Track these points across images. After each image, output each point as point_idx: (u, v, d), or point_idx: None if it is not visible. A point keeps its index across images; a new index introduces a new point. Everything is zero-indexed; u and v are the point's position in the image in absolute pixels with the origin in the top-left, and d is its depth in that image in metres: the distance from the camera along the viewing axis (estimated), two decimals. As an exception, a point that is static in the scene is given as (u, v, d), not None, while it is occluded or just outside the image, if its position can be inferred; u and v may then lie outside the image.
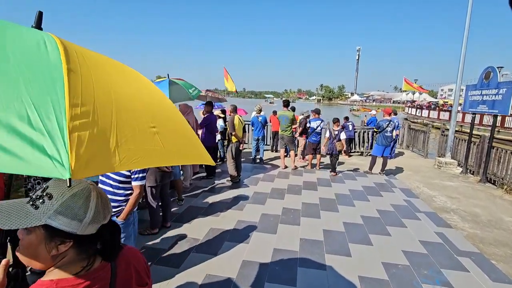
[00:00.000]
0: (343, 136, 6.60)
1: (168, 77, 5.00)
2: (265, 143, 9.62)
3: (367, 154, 9.84)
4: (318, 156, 7.29)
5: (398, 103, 77.66)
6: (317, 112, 7.16)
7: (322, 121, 7.06)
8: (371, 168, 6.85)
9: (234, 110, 5.91)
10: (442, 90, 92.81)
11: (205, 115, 6.03)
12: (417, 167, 8.29)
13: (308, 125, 7.26)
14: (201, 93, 6.58)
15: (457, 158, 8.30)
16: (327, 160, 8.52)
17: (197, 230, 3.75)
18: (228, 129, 5.80)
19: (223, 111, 8.35)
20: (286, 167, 7.21)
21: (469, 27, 7.47)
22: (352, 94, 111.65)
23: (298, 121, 9.02)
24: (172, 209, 4.44)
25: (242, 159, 8.64)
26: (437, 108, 28.95)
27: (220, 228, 3.83)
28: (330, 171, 6.77)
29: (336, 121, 7.01)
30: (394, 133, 6.48)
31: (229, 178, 5.90)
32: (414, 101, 39.25)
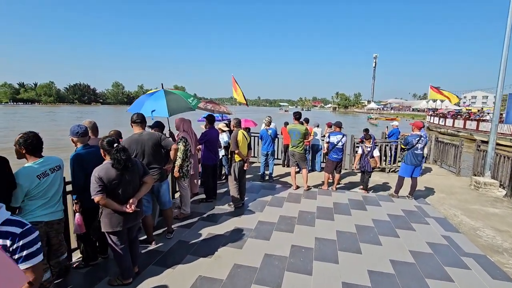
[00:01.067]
0: (376, 153, 6.15)
1: (162, 87, 4.38)
2: (276, 157, 8.85)
3: (389, 171, 8.81)
4: (337, 175, 6.40)
5: (418, 111, 74.67)
6: (338, 125, 6.31)
7: (343, 135, 6.21)
8: (397, 191, 5.88)
9: (238, 124, 5.18)
10: (464, 97, 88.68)
11: (205, 130, 5.35)
12: (449, 188, 7.20)
13: (327, 139, 6.41)
14: (200, 103, 5.90)
15: (498, 178, 7.13)
16: (343, 180, 7.60)
17: (180, 279, 2.98)
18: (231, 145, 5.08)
19: (228, 124, 7.67)
20: (298, 187, 6.36)
21: (511, 25, 6.45)
22: (368, 102, 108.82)
23: (311, 133, 8.17)
24: (157, 245, 3.71)
25: (249, 175, 7.93)
26: (462, 116, 27.07)
27: (211, 277, 3.04)
28: (361, 188, 6.43)
29: (368, 137, 6.35)
30: (425, 150, 5.50)
31: (231, 203, 5.14)
32: (436, 109, 37.11)
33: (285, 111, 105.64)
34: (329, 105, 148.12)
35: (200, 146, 5.33)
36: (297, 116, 6.08)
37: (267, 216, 4.82)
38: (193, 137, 4.79)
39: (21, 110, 69.97)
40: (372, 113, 73.16)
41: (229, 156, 5.26)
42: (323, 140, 8.67)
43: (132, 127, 3.51)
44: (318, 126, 8.97)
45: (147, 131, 3.55)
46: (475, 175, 7.93)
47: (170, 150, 3.57)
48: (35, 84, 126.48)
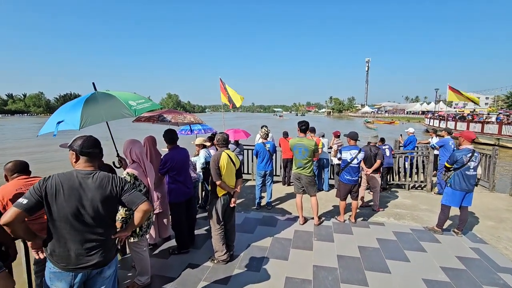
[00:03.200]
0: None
1: (94, 88, 2.74)
2: (274, 174, 7.32)
3: (411, 187, 7.32)
4: (354, 203, 4.87)
5: (412, 113, 74.22)
6: (352, 137, 4.72)
7: (360, 150, 4.67)
8: (441, 224, 4.36)
9: (224, 142, 3.58)
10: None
11: (166, 153, 3.72)
12: (492, 210, 5.74)
13: (338, 155, 4.90)
14: (157, 109, 4.03)
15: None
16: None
17: None
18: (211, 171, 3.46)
19: (212, 137, 6.10)
20: (305, 220, 4.81)
21: None
22: (362, 105, 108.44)
23: (320, 146, 6.65)
24: None
25: (241, 200, 6.35)
26: (466, 119, 26.01)
27: None
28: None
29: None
30: (479, 170, 4.03)
31: (214, 256, 3.55)
32: (436, 112, 36.18)
33: (280, 116, 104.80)
34: (323, 109, 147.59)
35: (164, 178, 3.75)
36: (303, 126, 4.55)
37: (268, 278, 3.24)
38: (153, 166, 3.21)
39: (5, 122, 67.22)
40: (367, 116, 72.41)
41: (209, 188, 3.68)
42: (330, 153, 7.21)
43: (74, 159, 1.87)
44: (323, 136, 7.48)
45: (101, 173, 1.87)
46: (518, 192, 6.50)
47: (135, 211, 1.91)
48: (24, 95, 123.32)
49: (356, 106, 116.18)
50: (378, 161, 5.32)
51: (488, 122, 21.34)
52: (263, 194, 6.10)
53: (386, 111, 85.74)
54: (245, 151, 8.19)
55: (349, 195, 4.82)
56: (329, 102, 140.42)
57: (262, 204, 5.94)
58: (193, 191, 3.90)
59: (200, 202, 5.69)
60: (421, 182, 7.26)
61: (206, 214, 4.95)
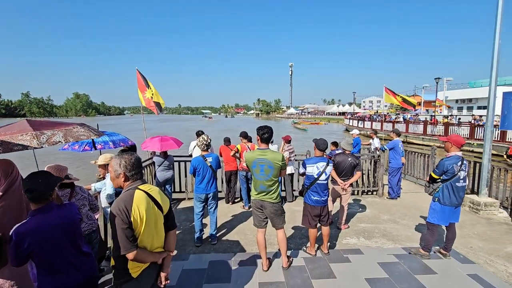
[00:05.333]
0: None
1: None
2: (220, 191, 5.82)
3: (362, 193, 6.84)
4: (325, 229, 3.78)
5: (331, 115, 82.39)
6: (320, 147, 3.60)
7: (328, 162, 3.59)
8: (429, 246, 3.63)
9: (134, 167, 1.84)
10: (364, 102, 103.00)
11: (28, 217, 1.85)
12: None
13: (302, 170, 3.72)
14: None
15: (491, 195, 5.88)
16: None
17: None
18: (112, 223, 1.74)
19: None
20: (270, 263, 3.47)
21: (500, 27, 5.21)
22: (288, 107, 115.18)
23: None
24: None
25: (177, 232, 4.57)
26: (377, 119, 29.37)
27: None
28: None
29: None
30: (466, 180, 3.41)
31: None
32: (355, 113, 40.27)
33: (209, 118, 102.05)
34: (252, 111, 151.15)
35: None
36: (266, 134, 3.15)
37: None
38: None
39: None
40: (293, 117, 76.82)
41: (111, 263, 1.90)
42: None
43: None
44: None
45: None
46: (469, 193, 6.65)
47: None
48: None
49: (282, 108, 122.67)
50: (358, 173, 4.44)
51: (397, 122, 24.31)
52: (205, 222, 4.57)
53: (308, 113, 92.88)
54: (177, 164, 6.43)
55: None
56: (257, 104, 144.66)
57: (204, 237, 4.40)
58: (86, 273, 2.02)
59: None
60: (373, 187, 6.85)
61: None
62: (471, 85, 32.27)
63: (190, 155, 6.37)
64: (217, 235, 4.51)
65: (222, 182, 6.51)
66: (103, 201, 3.39)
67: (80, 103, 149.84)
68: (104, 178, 3.76)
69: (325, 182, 3.58)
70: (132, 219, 1.69)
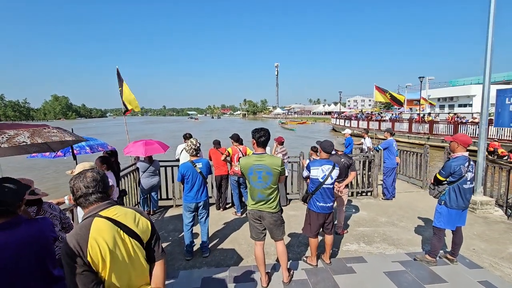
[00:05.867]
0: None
1: None
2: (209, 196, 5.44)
3: (361, 194, 6.67)
4: (329, 238, 3.53)
5: (317, 114, 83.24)
6: (326, 149, 3.35)
7: (334, 166, 3.35)
8: (435, 252, 3.44)
9: (86, 200, 1.45)
10: (348, 101, 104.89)
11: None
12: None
13: (305, 173, 3.44)
14: None
15: (486, 194, 5.85)
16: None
17: None
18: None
19: (107, 158, 3.80)
20: (269, 279, 3.16)
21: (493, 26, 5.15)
22: (274, 107, 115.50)
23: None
24: None
25: (165, 245, 4.21)
26: (364, 118, 29.71)
27: None
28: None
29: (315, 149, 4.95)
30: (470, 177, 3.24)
31: None
32: (342, 112, 40.68)
33: (195, 119, 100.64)
34: (238, 112, 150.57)
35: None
36: (262, 138, 2.85)
37: None
38: None
39: None
40: (280, 117, 77.02)
41: None
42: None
43: None
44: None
45: None
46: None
47: None
48: None
49: (269, 108, 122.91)
50: (353, 173, 4.21)
51: (383, 120, 24.64)
52: (195, 230, 4.22)
53: (295, 112, 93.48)
54: (163, 170, 6.02)
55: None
56: (244, 104, 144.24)
57: (195, 248, 4.05)
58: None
59: None
60: (368, 187, 6.69)
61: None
62: (452, 84, 33.37)
63: (177, 160, 5.97)
64: (209, 246, 4.17)
65: (212, 187, 6.16)
66: (82, 216, 2.98)
67: (59, 106, 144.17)
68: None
69: (331, 186, 3.33)
70: (89, 259, 1.29)
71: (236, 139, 5.44)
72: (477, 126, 15.79)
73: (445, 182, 3.31)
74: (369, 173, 6.62)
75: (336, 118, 36.25)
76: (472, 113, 19.92)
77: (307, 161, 6.05)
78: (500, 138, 14.35)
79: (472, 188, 3.30)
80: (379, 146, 6.53)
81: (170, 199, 6.13)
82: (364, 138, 8.45)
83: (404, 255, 3.83)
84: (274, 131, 39.71)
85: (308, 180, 3.40)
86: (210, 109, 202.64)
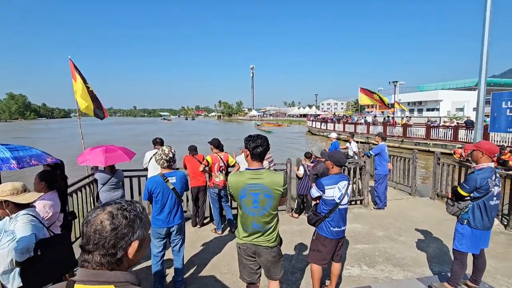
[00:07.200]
0: None
1: None
2: (184, 211, 4.56)
3: (350, 203, 6.17)
4: (337, 266, 2.89)
5: (292, 116, 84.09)
6: (338, 162, 2.69)
7: (349, 181, 2.74)
8: (457, 279, 2.94)
9: None
10: (322, 104, 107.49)
11: None
12: (439, 223, 5.10)
13: (315, 193, 2.75)
14: None
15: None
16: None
17: None
18: None
19: (47, 174, 2.83)
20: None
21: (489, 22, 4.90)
22: (250, 109, 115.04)
23: (236, 164, 4.50)
24: None
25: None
26: (341, 120, 30.11)
27: None
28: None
29: (309, 155, 4.91)
30: (496, 191, 2.78)
31: None
32: (318, 115, 41.04)
33: (168, 120, 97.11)
34: (213, 113, 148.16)
35: None
36: (259, 149, 2.10)
37: None
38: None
39: None
40: (256, 120, 76.65)
41: None
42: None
43: None
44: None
45: None
46: (440, 197, 6.36)
47: None
48: None
49: (244, 110, 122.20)
50: None
51: (359, 123, 24.99)
52: (167, 256, 3.39)
53: (270, 115, 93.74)
54: (128, 181, 5.09)
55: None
56: (219, 106, 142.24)
57: (167, 280, 3.24)
58: None
59: None
60: (358, 196, 6.23)
61: None
62: (420, 89, 35.14)
63: (146, 169, 5.06)
64: (185, 276, 3.37)
65: (188, 201, 5.33)
66: (4, 263, 2.04)
67: (16, 105, 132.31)
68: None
69: (347, 206, 2.73)
70: None
71: (216, 145, 4.67)
72: (448, 129, 16.35)
73: (468, 198, 2.82)
74: (361, 181, 6.16)
75: (312, 120, 36.48)
76: (441, 117, 20.78)
77: (301, 169, 5.47)
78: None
79: (498, 204, 2.85)
80: (370, 151, 6.10)
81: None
82: (350, 143, 8.05)
83: (416, 281, 3.31)
84: (251, 133, 39.04)
85: (318, 201, 2.75)
86: (184, 110, 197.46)
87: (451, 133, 15.90)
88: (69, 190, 4.19)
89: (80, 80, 5.12)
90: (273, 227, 2.18)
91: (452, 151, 14.68)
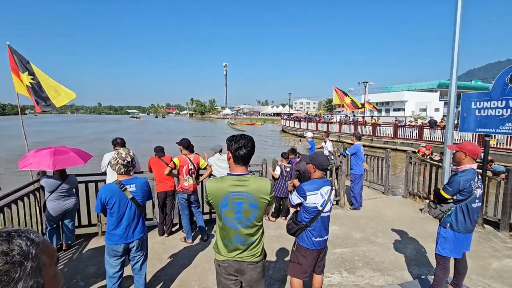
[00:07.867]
0: None
1: None
2: (147, 218, 4.01)
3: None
4: (319, 278, 2.64)
5: (266, 115, 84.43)
6: (321, 165, 2.41)
7: (332, 187, 2.48)
8: (439, 284, 2.82)
9: None
10: (295, 103, 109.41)
11: None
12: (412, 222, 5.14)
13: (296, 200, 2.46)
14: None
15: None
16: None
17: None
18: None
19: None
20: None
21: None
22: (223, 108, 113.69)
23: (203, 164, 4.14)
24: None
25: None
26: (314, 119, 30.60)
27: None
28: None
29: (286, 156, 4.89)
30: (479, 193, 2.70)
31: None
32: (291, 114, 41.36)
33: (137, 118, 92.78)
34: (185, 111, 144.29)
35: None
36: (241, 151, 1.76)
37: None
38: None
39: None
40: (229, 118, 75.85)
41: None
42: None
43: None
44: (221, 152, 4.97)
45: None
46: (412, 195, 6.47)
47: None
48: None
49: (217, 108, 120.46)
50: None
51: (331, 122, 25.53)
52: (127, 272, 2.94)
53: (244, 113, 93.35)
54: (82, 187, 4.48)
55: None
56: (191, 104, 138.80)
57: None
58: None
59: None
60: (335, 196, 6.12)
61: None
62: (388, 90, 36.97)
63: (104, 173, 4.47)
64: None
65: (154, 207, 4.82)
66: None
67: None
68: None
69: (329, 214, 2.47)
70: None
71: (186, 146, 4.23)
72: (414, 128, 17.18)
73: (451, 200, 2.71)
74: (337, 181, 6.05)
75: (286, 119, 36.73)
76: (406, 117, 21.84)
77: (277, 169, 5.20)
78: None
79: (480, 207, 2.77)
80: (347, 151, 6.01)
81: (94, 224, 4.58)
82: (325, 142, 7.98)
83: (397, 286, 3.17)
84: (224, 132, 38.40)
85: (299, 208, 2.46)
86: (154, 108, 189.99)
87: (416, 132, 16.70)
88: (8, 199, 3.54)
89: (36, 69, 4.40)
90: (257, 240, 1.85)
91: (417, 150, 15.52)
